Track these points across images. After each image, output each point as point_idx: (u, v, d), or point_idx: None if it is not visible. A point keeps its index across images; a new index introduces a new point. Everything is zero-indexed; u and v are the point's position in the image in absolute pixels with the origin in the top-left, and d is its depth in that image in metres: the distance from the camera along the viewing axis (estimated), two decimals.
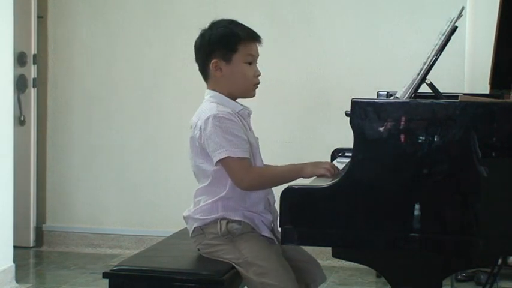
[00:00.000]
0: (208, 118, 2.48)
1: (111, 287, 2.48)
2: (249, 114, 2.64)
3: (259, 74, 2.60)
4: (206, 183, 2.55)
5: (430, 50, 2.54)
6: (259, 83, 2.61)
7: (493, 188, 2.10)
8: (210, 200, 2.54)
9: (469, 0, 4.35)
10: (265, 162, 2.69)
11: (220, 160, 2.46)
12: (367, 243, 2.16)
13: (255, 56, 2.59)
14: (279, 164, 2.59)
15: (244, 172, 2.47)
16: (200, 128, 2.50)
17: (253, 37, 2.58)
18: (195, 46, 2.63)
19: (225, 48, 2.54)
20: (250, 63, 2.58)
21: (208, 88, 2.61)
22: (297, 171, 2.44)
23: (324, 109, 4.68)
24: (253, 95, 2.62)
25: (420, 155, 2.10)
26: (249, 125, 2.63)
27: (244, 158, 2.47)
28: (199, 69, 2.63)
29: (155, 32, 4.91)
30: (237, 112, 2.56)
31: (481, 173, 2.08)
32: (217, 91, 2.58)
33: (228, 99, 2.57)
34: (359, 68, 4.64)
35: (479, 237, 2.11)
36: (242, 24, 2.61)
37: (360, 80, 4.60)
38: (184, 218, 2.63)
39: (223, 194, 2.52)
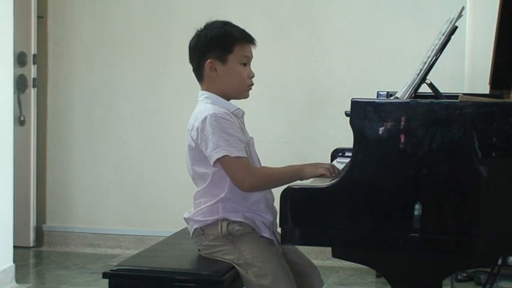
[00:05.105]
0: (205, 118, 2.47)
1: (111, 287, 2.48)
2: (243, 115, 2.64)
3: (253, 76, 2.61)
4: (204, 185, 2.55)
5: (430, 50, 2.53)
6: (252, 84, 2.62)
7: (493, 188, 2.10)
8: (210, 202, 2.53)
9: (469, 0, 4.35)
10: (263, 163, 2.69)
11: (218, 160, 2.45)
12: (367, 243, 2.16)
13: (249, 58, 2.60)
14: (278, 165, 2.58)
15: (244, 173, 2.46)
16: (197, 129, 2.50)
17: (248, 39, 2.59)
18: (190, 46, 2.63)
19: (220, 49, 2.55)
20: (244, 65, 2.58)
21: (202, 89, 2.61)
22: (297, 172, 2.44)
23: (324, 109, 4.68)
24: (247, 96, 2.63)
25: (420, 155, 2.10)
26: (243, 125, 2.63)
27: (241, 157, 2.46)
28: (194, 70, 2.63)
29: (155, 32, 4.91)
30: (232, 112, 2.56)
31: (480, 173, 2.08)
32: (211, 92, 2.58)
33: (222, 99, 2.57)
34: (359, 68, 4.64)
35: (479, 237, 2.11)
36: (237, 26, 2.62)
37: (360, 80, 4.60)
38: (185, 219, 2.63)
39: (222, 195, 2.51)
